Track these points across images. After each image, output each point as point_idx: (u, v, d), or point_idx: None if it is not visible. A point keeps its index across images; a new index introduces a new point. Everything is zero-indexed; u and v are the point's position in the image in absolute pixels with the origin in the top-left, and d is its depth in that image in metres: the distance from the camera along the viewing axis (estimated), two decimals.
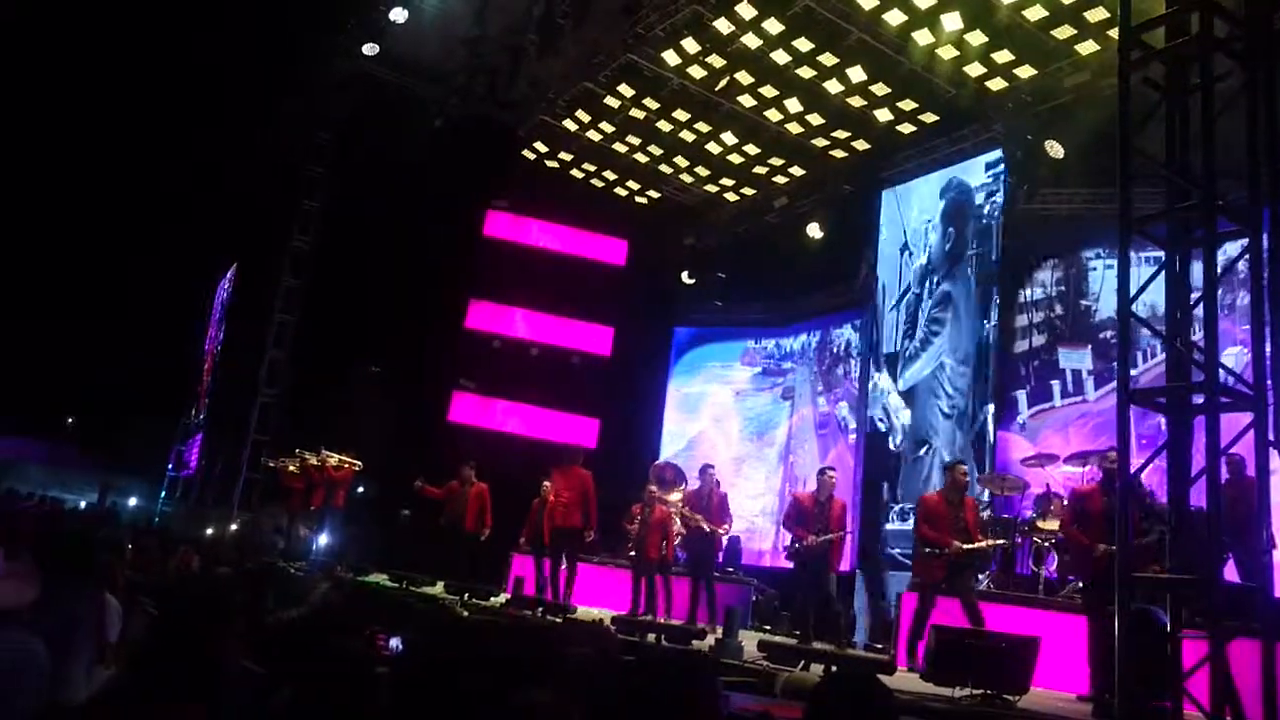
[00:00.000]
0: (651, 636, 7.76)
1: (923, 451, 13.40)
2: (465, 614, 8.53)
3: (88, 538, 4.76)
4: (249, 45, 22.85)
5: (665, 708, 2.23)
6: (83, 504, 24.32)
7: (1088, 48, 11.33)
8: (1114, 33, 9.09)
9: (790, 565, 9.36)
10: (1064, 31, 11.26)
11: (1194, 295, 5.19)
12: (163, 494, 23.55)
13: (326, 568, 11.87)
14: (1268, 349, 4.95)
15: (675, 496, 10.47)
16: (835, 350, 16.75)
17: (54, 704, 3.00)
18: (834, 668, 6.25)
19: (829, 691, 2.40)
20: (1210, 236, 4.97)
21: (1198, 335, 5.08)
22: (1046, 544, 9.70)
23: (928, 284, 13.98)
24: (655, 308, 18.75)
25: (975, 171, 13.56)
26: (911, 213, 14.39)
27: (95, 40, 27.91)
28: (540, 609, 9.22)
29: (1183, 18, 5.33)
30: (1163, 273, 5.26)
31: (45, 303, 30.46)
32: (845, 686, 2.43)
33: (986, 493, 11.25)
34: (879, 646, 10.25)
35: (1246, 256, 5.07)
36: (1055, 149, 12.32)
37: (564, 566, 10.77)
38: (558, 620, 8.09)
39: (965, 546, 7.91)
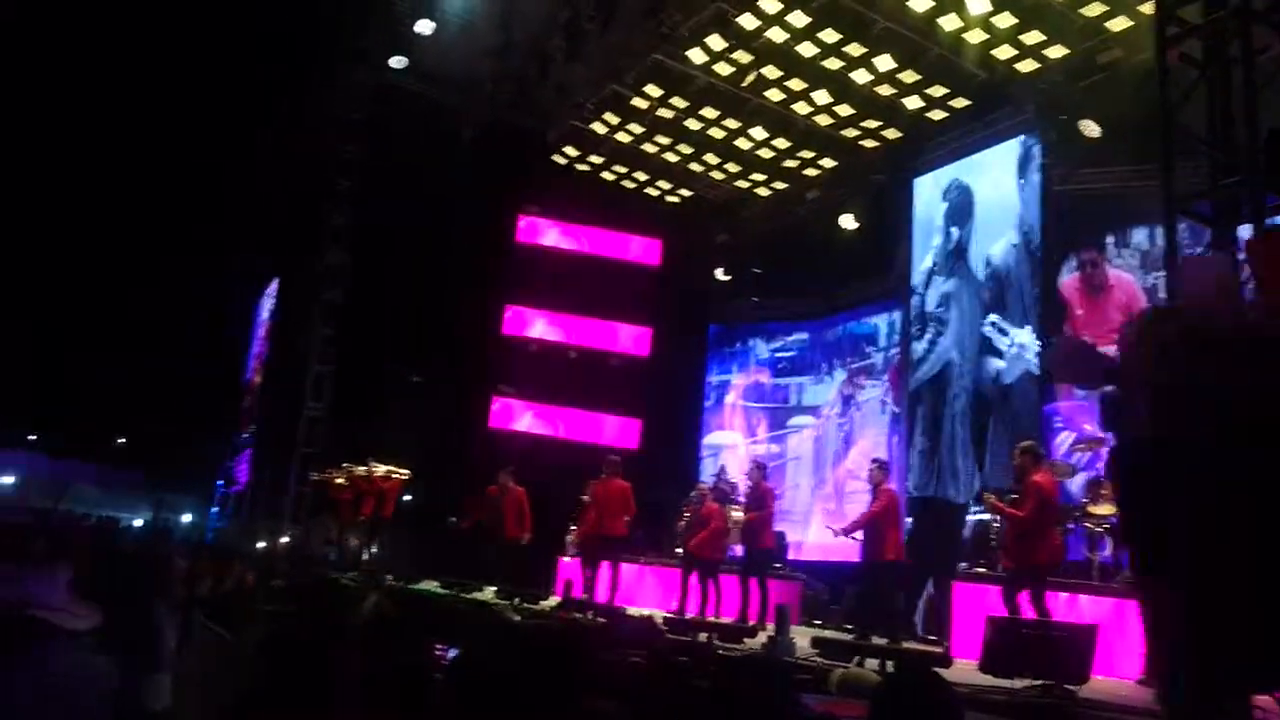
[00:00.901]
0: (704, 636, 7.76)
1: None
2: (517, 619, 8.59)
3: (144, 555, 4.88)
4: (279, 64, 23.17)
5: (745, 713, 2.24)
6: (137, 522, 24.80)
7: (1119, 24, 11.14)
8: (1145, 8, 8.95)
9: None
10: (1094, 9, 11.09)
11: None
12: (214, 510, 23.94)
13: (376, 578, 12.01)
14: None
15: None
16: (872, 342, 16.66)
17: (126, 712, 3.11)
18: (889, 663, 6.21)
19: (891, 691, 2.40)
20: (1260, 211, 4.87)
21: None
22: (1100, 529, 9.55)
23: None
24: (692, 306, 18.74)
25: (992, 169, 13.53)
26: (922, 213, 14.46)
27: (130, 66, 28.45)
28: (591, 612, 9.26)
29: None
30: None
31: (91, 326, 31.07)
32: (907, 684, 2.43)
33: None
34: (933, 639, 10.16)
35: None
36: (1091, 128, 12.12)
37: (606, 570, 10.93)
38: (606, 621, 8.13)
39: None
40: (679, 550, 10.48)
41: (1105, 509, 9.43)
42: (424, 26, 14.31)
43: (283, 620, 6.75)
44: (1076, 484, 11.21)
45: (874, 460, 9.92)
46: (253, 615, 7.11)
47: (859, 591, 9.10)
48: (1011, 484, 7.94)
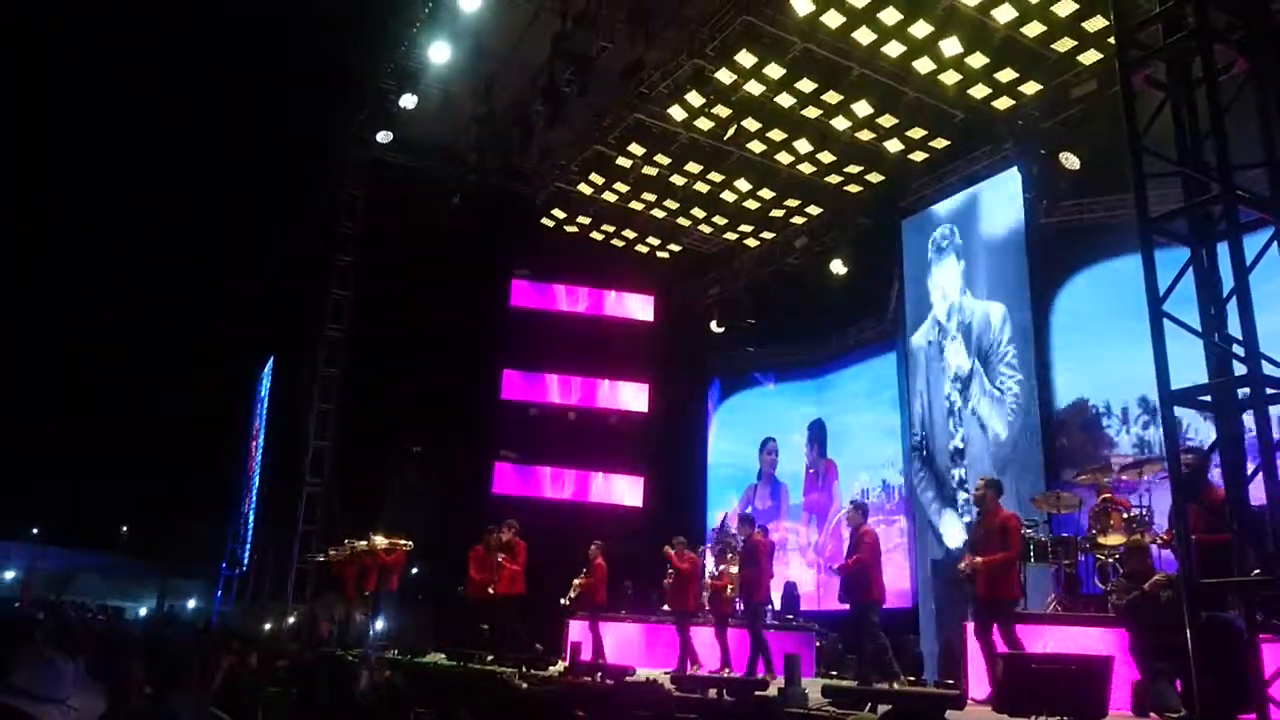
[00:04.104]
0: (713, 692, 7.59)
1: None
2: (524, 685, 8.43)
3: (154, 648, 4.82)
4: (267, 146, 23.53)
5: None
6: (143, 611, 24.53)
7: (1090, 57, 11.31)
8: (1114, 40, 9.03)
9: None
10: (1064, 44, 11.26)
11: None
12: (219, 593, 23.67)
13: (367, 656, 11.79)
14: None
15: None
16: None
17: None
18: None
19: None
20: (1234, 226, 4.87)
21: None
22: (1110, 559, 9.39)
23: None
24: (689, 359, 18.76)
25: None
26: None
27: (127, 161, 28.95)
28: (599, 674, 9.07)
29: (1178, 13, 5.29)
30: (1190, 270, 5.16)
31: (90, 415, 31.10)
32: None
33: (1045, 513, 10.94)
34: (949, 681, 9.94)
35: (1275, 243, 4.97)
36: (1070, 160, 12.23)
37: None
38: (612, 683, 7.98)
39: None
40: (664, 608, 10.34)
41: (1114, 539, 9.28)
42: (408, 101, 14.49)
43: (284, 702, 6.64)
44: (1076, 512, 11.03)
45: (851, 502, 9.76)
46: (255, 698, 6.97)
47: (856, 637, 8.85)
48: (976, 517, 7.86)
